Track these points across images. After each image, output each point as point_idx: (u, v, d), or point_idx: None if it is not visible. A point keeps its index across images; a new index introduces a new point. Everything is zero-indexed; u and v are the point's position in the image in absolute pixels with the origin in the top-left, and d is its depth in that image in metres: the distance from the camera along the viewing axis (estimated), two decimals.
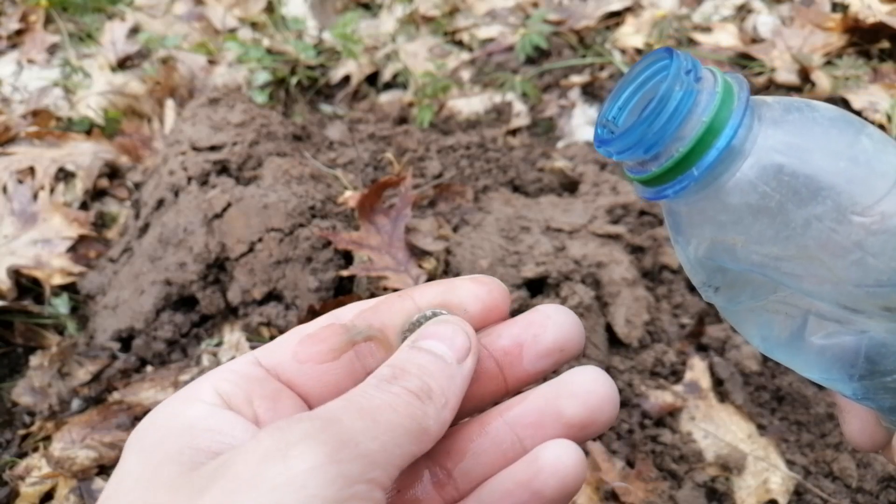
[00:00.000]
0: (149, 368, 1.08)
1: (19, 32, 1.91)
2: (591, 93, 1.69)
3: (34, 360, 1.10)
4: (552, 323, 0.36)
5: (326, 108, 1.75)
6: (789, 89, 1.56)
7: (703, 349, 1.03)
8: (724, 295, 0.34)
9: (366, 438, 0.28)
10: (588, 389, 0.35)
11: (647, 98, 0.33)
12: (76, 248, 1.28)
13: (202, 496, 0.26)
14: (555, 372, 0.37)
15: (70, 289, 1.22)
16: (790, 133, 0.30)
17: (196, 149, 1.22)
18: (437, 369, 0.33)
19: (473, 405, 0.37)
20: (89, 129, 1.58)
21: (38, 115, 1.58)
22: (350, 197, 1.10)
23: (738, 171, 0.30)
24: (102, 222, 1.38)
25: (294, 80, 1.76)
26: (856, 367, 0.33)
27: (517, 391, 0.37)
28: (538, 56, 1.78)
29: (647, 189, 0.32)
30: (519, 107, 1.65)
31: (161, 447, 0.30)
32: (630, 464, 0.87)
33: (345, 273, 1.03)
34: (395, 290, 1.03)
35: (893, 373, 0.32)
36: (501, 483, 0.34)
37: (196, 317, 1.12)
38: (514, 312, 0.38)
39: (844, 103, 1.46)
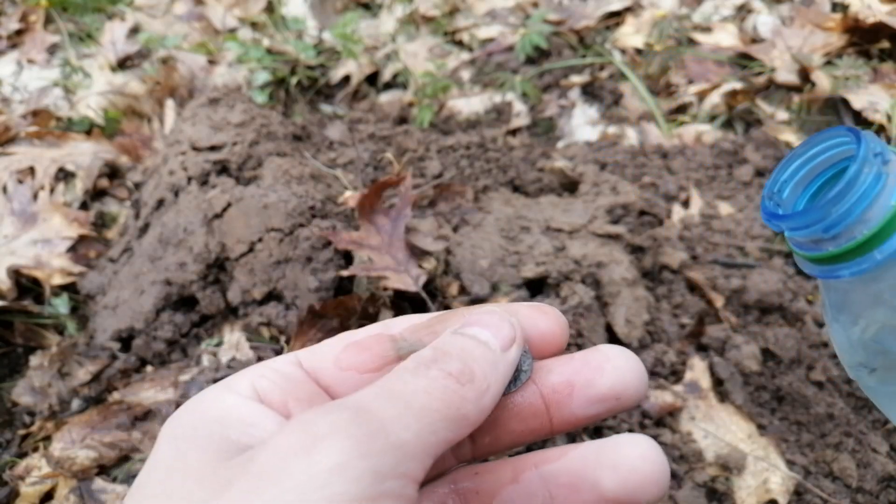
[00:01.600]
0: (149, 368, 1.08)
1: (19, 32, 1.91)
2: (591, 93, 1.69)
3: (34, 360, 1.10)
4: (611, 367, 0.34)
5: (326, 108, 1.75)
6: (789, 89, 1.56)
7: (703, 349, 1.03)
8: (879, 377, 0.33)
9: (398, 427, 0.27)
10: (632, 466, 0.31)
11: (814, 173, 0.32)
12: (76, 248, 1.28)
13: (227, 490, 0.26)
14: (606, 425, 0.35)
15: (70, 289, 1.22)
16: None
17: (196, 149, 1.22)
18: (480, 354, 0.31)
19: (513, 440, 0.35)
20: (89, 129, 1.58)
21: (38, 115, 1.58)
22: (350, 197, 1.10)
23: None
24: (102, 222, 1.38)
25: (294, 80, 1.76)
26: None
27: (562, 433, 0.36)
28: (538, 56, 1.78)
29: (817, 267, 0.31)
30: (519, 107, 1.65)
31: (193, 436, 0.30)
32: None
33: (345, 273, 1.03)
34: (395, 289, 1.03)
35: None
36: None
37: (196, 317, 1.12)
38: None
39: (844, 103, 1.46)
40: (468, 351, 0.31)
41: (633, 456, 0.31)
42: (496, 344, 0.32)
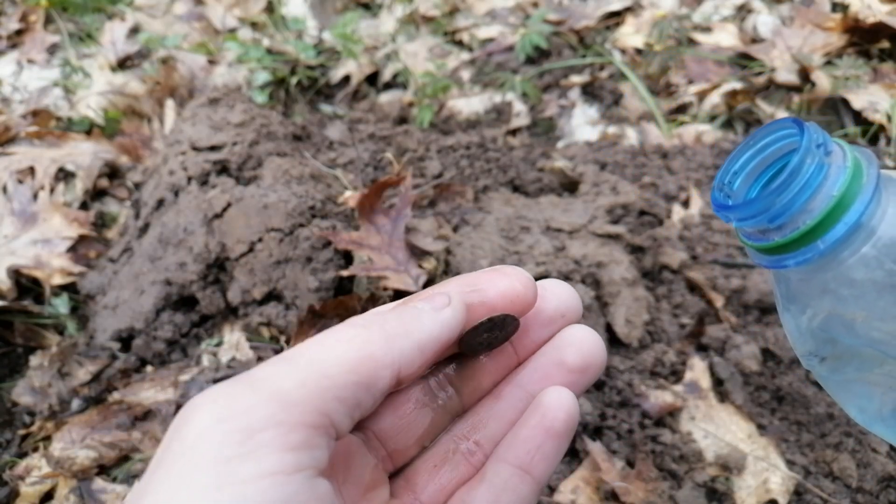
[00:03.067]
0: (149, 368, 1.08)
1: (19, 32, 1.91)
2: (591, 93, 1.69)
3: (34, 360, 1.10)
4: (551, 294, 0.39)
5: (326, 108, 1.75)
6: (789, 89, 1.56)
7: (703, 349, 1.03)
8: (829, 366, 0.34)
9: (272, 380, 0.26)
10: (583, 338, 0.38)
11: (764, 164, 0.33)
12: (76, 248, 1.28)
13: (153, 473, 0.26)
14: None
15: (70, 289, 1.22)
16: None
17: (196, 149, 1.22)
18: (402, 310, 0.33)
19: (491, 380, 0.40)
20: (89, 129, 1.58)
21: (38, 115, 1.58)
22: (350, 197, 1.10)
23: (864, 246, 0.29)
24: (102, 222, 1.38)
25: (294, 80, 1.76)
26: None
27: (525, 359, 0.40)
28: (538, 56, 1.78)
29: (765, 257, 0.32)
30: (519, 107, 1.65)
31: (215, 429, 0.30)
32: (630, 464, 0.87)
33: (345, 273, 1.03)
34: (396, 290, 1.03)
35: None
36: (518, 432, 0.37)
37: (196, 317, 1.12)
38: None
39: (844, 103, 1.46)
40: (382, 309, 0.33)
41: (582, 332, 0.39)
42: (426, 306, 0.33)
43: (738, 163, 0.34)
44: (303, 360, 0.27)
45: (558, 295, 0.39)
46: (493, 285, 0.37)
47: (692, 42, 1.72)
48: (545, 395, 0.37)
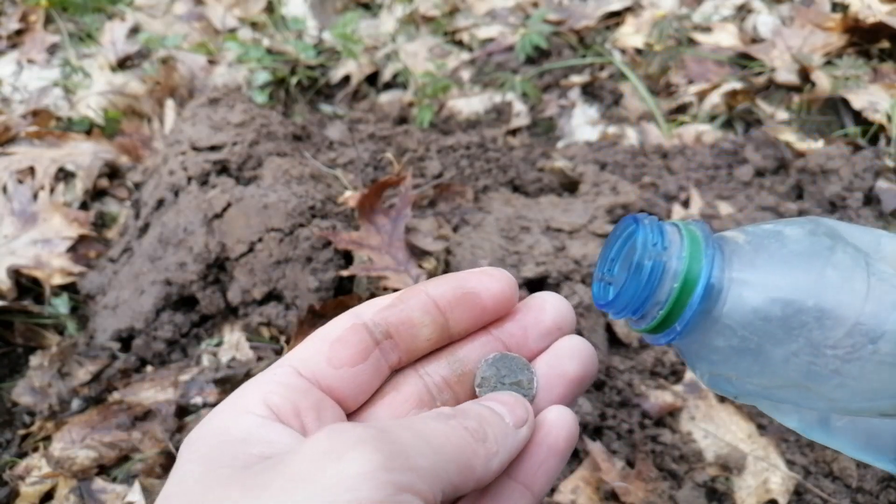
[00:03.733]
0: (149, 368, 1.08)
1: (19, 32, 1.91)
2: (591, 93, 1.69)
3: (34, 360, 1.10)
4: (550, 307, 0.41)
5: (326, 108, 1.75)
6: (789, 89, 1.56)
7: None
8: (746, 402, 0.37)
9: (416, 454, 0.30)
10: (581, 349, 0.41)
11: (631, 253, 0.36)
12: (76, 248, 1.28)
13: (262, 490, 0.28)
14: None
15: (70, 289, 1.22)
16: (760, 276, 0.32)
17: (196, 149, 1.22)
18: (495, 422, 0.36)
19: None
20: (89, 129, 1.58)
21: (38, 115, 1.58)
22: (350, 197, 1.10)
23: (716, 319, 0.32)
24: (102, 222, 1.38)
25: (294, 80, 1.76)
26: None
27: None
28: (538, 56, 1.78)
29: (646, 335, 0.36)
30: (519, 107, 1.65)
31: (218, 452, 0.32)
32: (630, 464, 0.87)
33: (345, 273, 1.03)
34: (396, 290, 1.03)
35: None
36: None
37: (196, 317, 1.12)
38: None
39: (844, 103, 1.46)
40: (485, 417, 0.36)
41: (582, 345, 0.41)
42: (510, 419, 0.36)
43: (612, 252, 0.38)
44: (434, 446, 0.32)
45: (556, 307, 0.41)
46: (482, 286, 0.40)
47: (692, 42, 1.72)
48: (548, 413, 0.39)
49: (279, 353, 1.04)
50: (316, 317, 0.99)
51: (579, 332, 0.94)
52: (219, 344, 1.08)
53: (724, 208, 1.28)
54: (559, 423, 0.38)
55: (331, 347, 0.38)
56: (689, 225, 0.35)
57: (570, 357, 0.40)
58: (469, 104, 1.66)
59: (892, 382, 0.30)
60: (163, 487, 0.32)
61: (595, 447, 0.87)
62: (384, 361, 0.39)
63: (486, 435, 0.34)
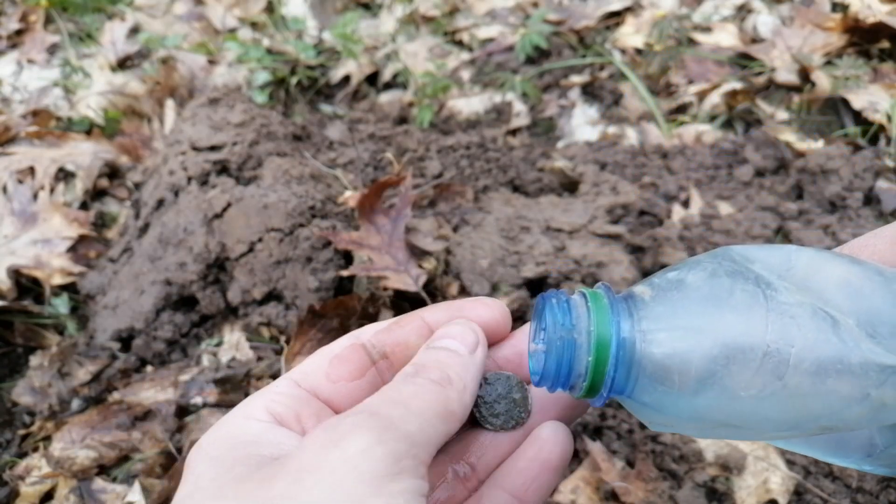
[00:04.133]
0: (149, 368, 1.08)
1: (19, 32, 1.91)
2: (591, 93, 1.69)
3: (34, 360, 1.10)
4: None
5: (326, 108, 1.75)
6: (789, 89, 1.56)
7: None
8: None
9: (403, 423, 0.33)
10: (564, 441, 0.41)
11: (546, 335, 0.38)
12: (76, 248, 1.28)
13: (272, 484, 0.31)
14: None
15: (70, 289, 1.22)
16: (666, 333, 0.33)
17: (196, 149, 1.22)
18: (453, 361, 0.38)
19: None
20: (89, 129, 1.58)
21: (38, 115, 1.58)
22: (350, 197, 1.10)
23: (636, 378, 0.34)
24: (102, 222, 1.38)
25: (294, 80, 1.76)
26: (873, 448, 0.36)
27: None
28: (538, 56, 1.78)
29: (585, 399, 0.38)
30: (519, 107, 1.65)
31: (230, 455, 0.34)
32: (630, 464, 0.87)
33: (345, 273, 1.03)
34: (395, 289, 1.03)
35: None
36: (515, 463, 0.40)
37: (196, 317, 1.12)
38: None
39: (844, 103, 1.46)
40: (442, 360, 0.38)
41: (563, 436, 0.41)
42: (464, 349, 0.39)
43: (544, 322, 0.39)
44: (414, 409, 0.34)
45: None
46: (476, 314, 0.41)
47: (692, 42, 1.72)
48: (542, 429, 0.40)
49: (279, 353, 1.04)
50: (316, 317, 1.00)
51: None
52: (219, 344, 1.08)
53: (724, 208, 1.28)
54: (553, 438, 0.40)
55: (330, 363, 0.40)
56: (596, 292, 0.36)
57: (556, 444, 0.41)
58: (469, 104, 1.66)
59: (809, 410, 0.31)
60: (175, 494, 0.34)
61: (595, 447, 0.87)
62: (381, 380, 0.41)
63: (449, 378, 0.37)
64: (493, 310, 0.42)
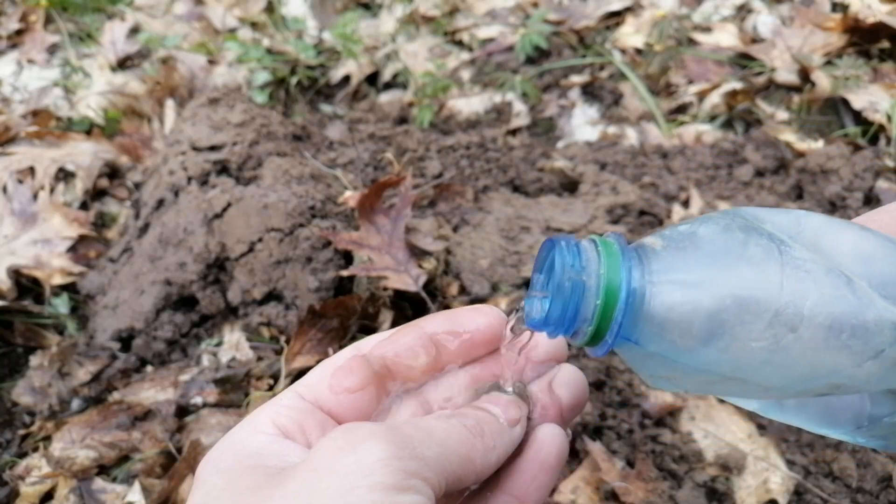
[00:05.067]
0: (149, 368, 1.08)
1: (19, 32, 1.91)
2: (591, 93, 1.69)
3: (34, 360, 1.10)
4: (543, 340, 0.43)
5: (326, 108, 1.75)
6: (789, 89, 1.56)
7: None
8: (696, 394, 0.38)
9: (422, 446, 0.34)
10: (573, 378, 0.43)
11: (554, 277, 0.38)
12: (76, 248, 1.28)
13: (286, 483, 0.32)
14: None
15: (70, 289, 1.22)
16: (678, 281, 0.33)
17: (196, 149, 1.22)
18: (491, 421, 0.39)
19: None
20: (89, 129, 1.58)
21: (38, 115, 1.58)
22: (350, 197, 1.10)
23: (643, 327, 0.34)
24: (102, 222, 1.38)
25: (294, 80, 1.76)
26: (861, 419, 0.36)
27: None
28: (538, 56, 1.78)
29: (586, 347, 0.37)
30: (519, 107, 1.65)
31: (238, 466, 0.35)
32: (630, 464, 0.87)
33: (345, 273, 1.03)
34: (395, 289, 1.03)
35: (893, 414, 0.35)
36: (515, 464, 0.41)
37: (196, 317, 1.12)
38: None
39: (844, 103, 1.46)
40: (480, 416, 0.39)
41: (572, 373, 0.43)
42: (504, 419, 0.40)
43: (541, 275, 0.39)
44: (437, 440, 0.35)
45: (550, 341, 0.43)
46: (473, 323, 0.42)
47: (692, 42, 1.72)
48: (539, 431, 0.41)
49: (279, 353, 1.04)
50: (316, 317, 1.00)
51: None
52: (219, 344, 1.08)
53: (724, 208, 1.28)
54: (550, 440, 0.41)
55: (332, 375, 0.41)
56: (606, 239, 0.36)
57: (565, 385, 0.43)
58: (469, 104, 1.66)
59: (820, 365, 0.31)
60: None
61: (595, 447, 0.87)
62: (382, 389, 0.42)
63: (482, 431, 0.38)
64: (490, 317, 0.43)
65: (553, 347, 0.44)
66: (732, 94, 1.53)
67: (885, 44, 1.56)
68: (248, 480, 0.34)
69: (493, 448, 0.38)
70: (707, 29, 1.75)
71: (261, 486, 0.33)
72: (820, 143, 1.40)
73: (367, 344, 0.43)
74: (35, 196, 1.34)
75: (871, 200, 1.27)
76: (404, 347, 0.42)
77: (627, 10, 1.85)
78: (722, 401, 0.96)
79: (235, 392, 1.00)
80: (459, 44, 1.89)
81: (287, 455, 0.36)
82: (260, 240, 1.07)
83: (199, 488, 0.35)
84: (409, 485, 0.31)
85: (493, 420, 0.39)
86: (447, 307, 1.03)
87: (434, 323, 0.43)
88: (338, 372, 0.41)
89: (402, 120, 1.64)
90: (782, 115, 1.51)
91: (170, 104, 1.63)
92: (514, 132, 1.61)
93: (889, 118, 1.37)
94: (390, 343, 0.42)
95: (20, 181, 1.36)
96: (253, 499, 0.32)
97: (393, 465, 0.31)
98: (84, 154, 1.45)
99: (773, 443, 0.89)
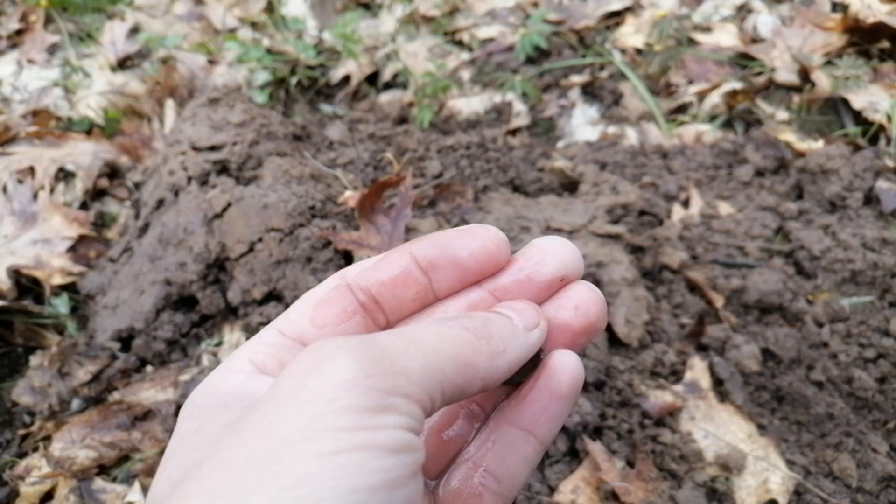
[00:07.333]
0: (149, 368, 1.08)
1: (19, 32, 1.91)
2: (591, 93, 1.69)
3: (34, 360, 1.10)
4: (549, 256, 0.39)
5: (326, 108, 1.75)
6: (789, 89, 1.56)
7: (703, 349, 1.03)
8: None
9: (403, 357, 0.30)
10: (585, 298, 0.38)
11: None
12: (76, 248, 1.28)
13: (252, 414, 0.29)
14: None
15: (70, 289, 1.22)
16: None
17: (196, 149, 1.22)
18: (503, 323, 0.35)
19: None
20: (89, 129, 1.58)
21: (38, 115, 1.58)
22: (350, 197, 1.10)
23: None
24: (102, 222, 1.38)
25: (294, 80, 1.76)
26: None
27: None
28: (538, 56, 1.78)
29: None
30: (519, 107, 1.65)
31: (211, 409, 0.33)
32: (630, 464, 0.87)
33: None
34: None
35: None
36: (524, 394, 0.37)
37: (196, 317, 1.12)
38: None
39: (844, 103, 1.46)
40: (490, 318, 0.35)
41: (588, 295, 0.39)
42: (519, 321, 0.35)
43: None
44: (425, 347, 0.31)
45: (557, 256, 0.39)
46: (465, 246, 0.38)
47: (692, 42, 1.72)
48: (551, 357, 0.37)
49: None
50: None
51: None
52: (219, 344, 1.08)
53: (724, 208, 1.28)
54: (561, 366, 0.36)
55: (314, 308, 0.38)
56: None
57: (575, 308, 0.38)
58: (469, 104, 1.66)
59: None
60: (165, 448, 0.33)
61: (595, 447, 0.87)
62: (370, 321, 0.38)
63: (490, 333, 0.34)
64: (485, 241, 0.38)
65: (561, 265, 0.39)
66: (732, 94, 1.53)
67: (885, 44, 1.56)
68: (221, 419, 0.32)
69: (502, 352, 0.33)
70: (707, 29, 1.75)
71: (231, 431, 0.30)
72: (820, 143, 1.40)
73: (351, 271, 0.39)
74: (35, 196, 1.34)
75: (871, 200, 1.28)
76: (391, 274, 0.38)
77: (627, 10, 1.85)
78: (722, 401, 0.96)
79: None
80: (459, 44, 1.89)
81: (261, 391, 0.33)
82: (260, 240, 1.07)
83: (175, 433, 0.33)
84: (384, 404, 0.28)
85: (505, 322, 0.35)
86: None
87: (423, 247, 0.38)
88: (320, 304, 0.38)
89: (402, 120, 1.64)
90: (782, 115, 1.51)
91: (170, 104, 1.63)
92: (514, 132, 1.61)
93: (889, 118, 1.37)
94: (376, 270, 0.38)
95: (20, 181, 1.36)
96: (220, 440, 0.29)
97: (363, 384, 0.28)
98: (84, 154, 1.45)
99: (773, 443, 0.89)
